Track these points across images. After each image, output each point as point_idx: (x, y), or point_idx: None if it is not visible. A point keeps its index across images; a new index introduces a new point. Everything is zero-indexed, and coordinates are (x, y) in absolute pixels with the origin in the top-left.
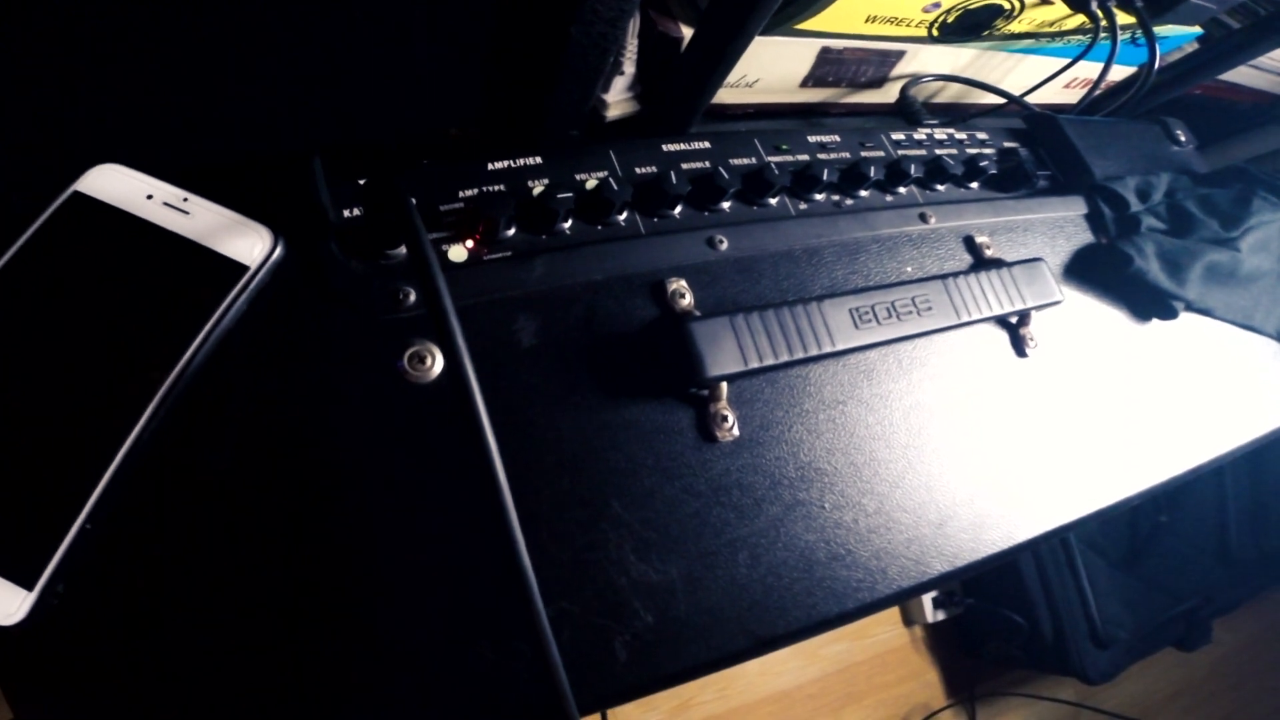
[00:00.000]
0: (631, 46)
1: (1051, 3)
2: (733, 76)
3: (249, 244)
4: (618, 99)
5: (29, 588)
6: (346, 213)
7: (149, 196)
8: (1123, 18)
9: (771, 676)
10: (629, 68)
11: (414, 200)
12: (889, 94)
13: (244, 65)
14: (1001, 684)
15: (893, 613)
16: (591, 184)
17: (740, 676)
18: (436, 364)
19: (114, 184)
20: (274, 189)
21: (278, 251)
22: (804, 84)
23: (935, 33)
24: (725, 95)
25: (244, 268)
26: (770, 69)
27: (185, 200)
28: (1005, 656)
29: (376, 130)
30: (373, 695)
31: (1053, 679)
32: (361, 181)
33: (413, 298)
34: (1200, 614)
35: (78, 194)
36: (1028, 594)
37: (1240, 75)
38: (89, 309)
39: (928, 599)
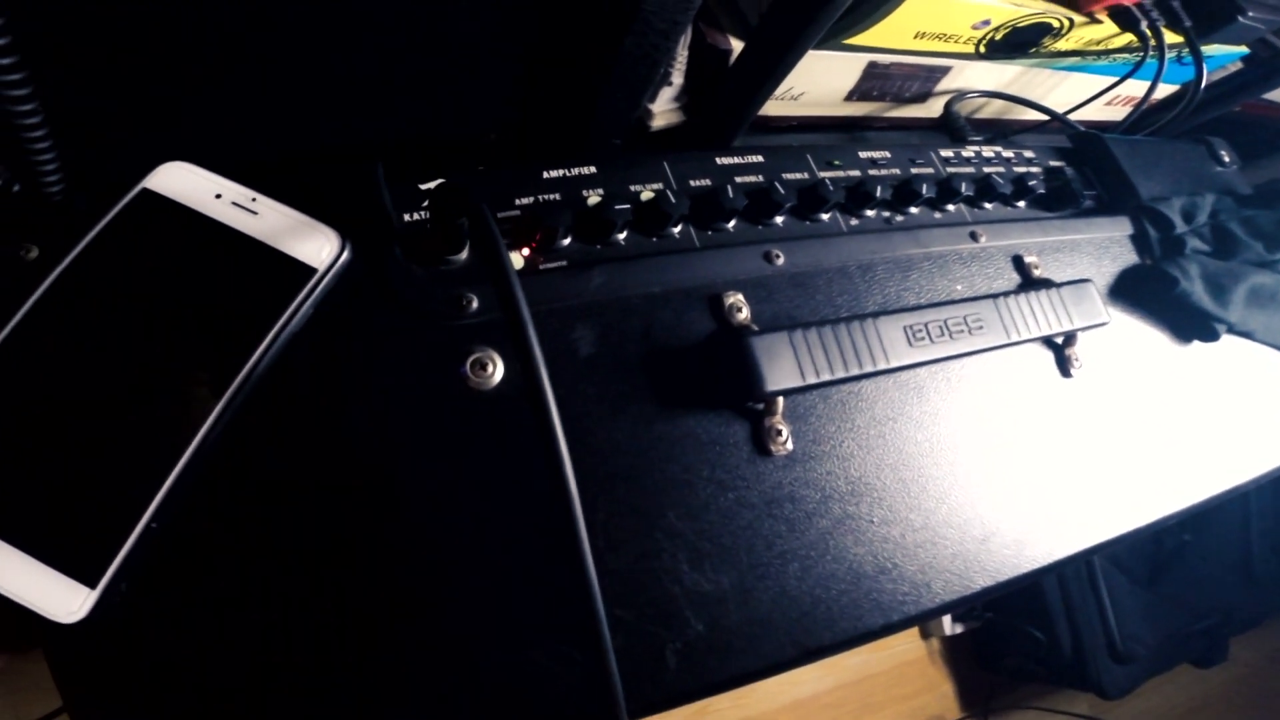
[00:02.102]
0: (681, 58)
1: (1100, 22)
2: (778, 89)
3: (317, 246)
4: (664, 109)
5: (92, 586)
6: (407, 216)
7: (218, 196)
8: (1170, 37)
9: (790, 685)
10: (677, 79)
11: None
12: (933, 109)
13: (291, 68)
14: (1017, 697)
15: None
16: (647, 195)
17: (759, 685)
18: (498, 371)
19: (183, 182)
20: (336, 191)
21: (345, 255)
22: (849, 98)
23: (982, 49)
24: (770, 107)
25: (312, 270)
26: (816, 82)
27: (254, 200)
28: (1022, 670)
29: (421, 133)
30: (427, 697)
31: (1068, 693)
32: (423, 186)
33: (475, 304)
34: (1219, 632)
35: (146, 191)
36: (1047, 608)
37: None
38: (157, 307)
39: None
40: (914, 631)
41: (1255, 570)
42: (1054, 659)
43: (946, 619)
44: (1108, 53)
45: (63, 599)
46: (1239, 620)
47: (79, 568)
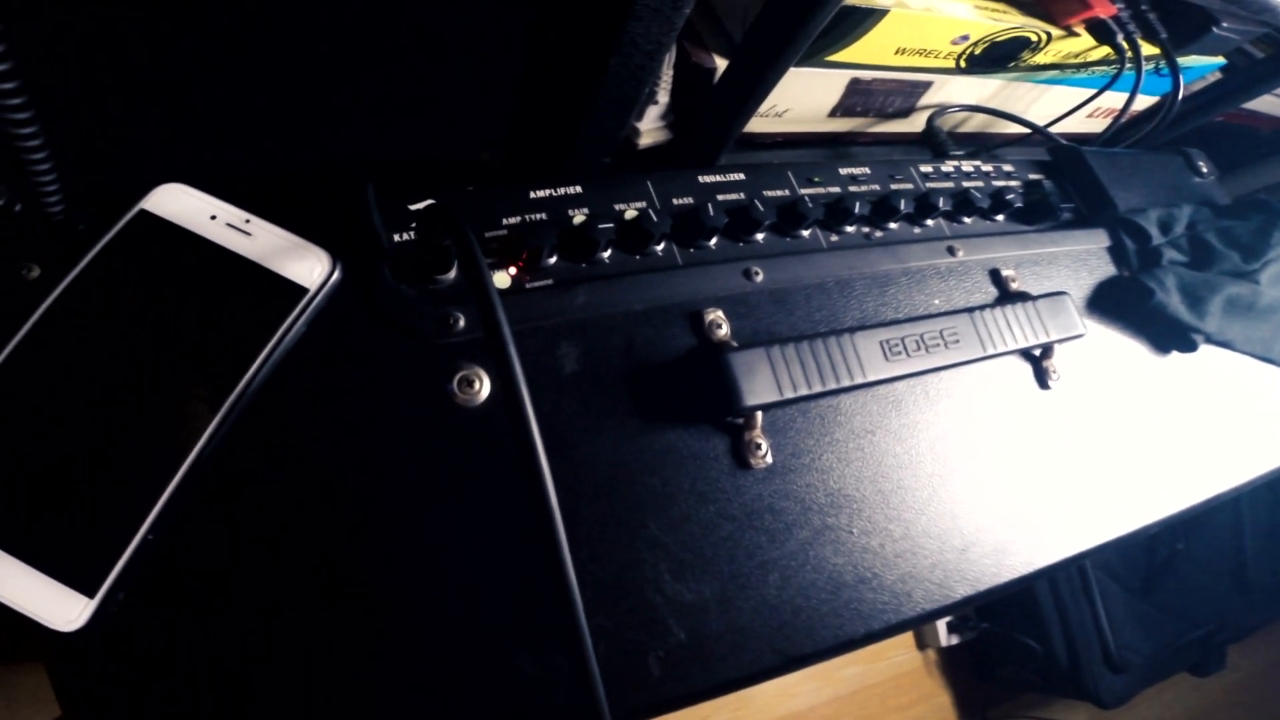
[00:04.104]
0: (666, 77)
1: (1077, 35)
2: (763, 106)
3: (308, 266)
4: (650, 127)
5: (90, 595)
6: (397, 236)
7: (213, 217)
8: (1147, 49)
9: (787, 698)
10: (663, 97)
11: None
12: (916, 124)
13: (289, 90)
14: (1014, 707)
15: (907, 636)
16: (631, 214)
17: (756, 697)
18: (484, 388)
19: (179, 204)
20: (327, 211)
21: (335, 275)
22: (832, 114)
23: (963, 64)
24: (755, 124)
25: (304, 290)
26: (800, 99)
27: (247, 222)
28: (1019, 681)
29: (413, 151)
30: (417, 706)
31: (1066, 703)
32: (412, 207)
33: (462, 323)
34: (1215, 640)
35: (144, 212)
36: (1043, 618)
37: (1262, 104)
38: (154, 325)
39: (942, 623)
40: (910, 643)
41: (1249, 577)
42: (1050, 669)
43: (942, 631)
44: (1086, 65)
45: (61, 608)
46: (1235, 628)
47: (78, 577)
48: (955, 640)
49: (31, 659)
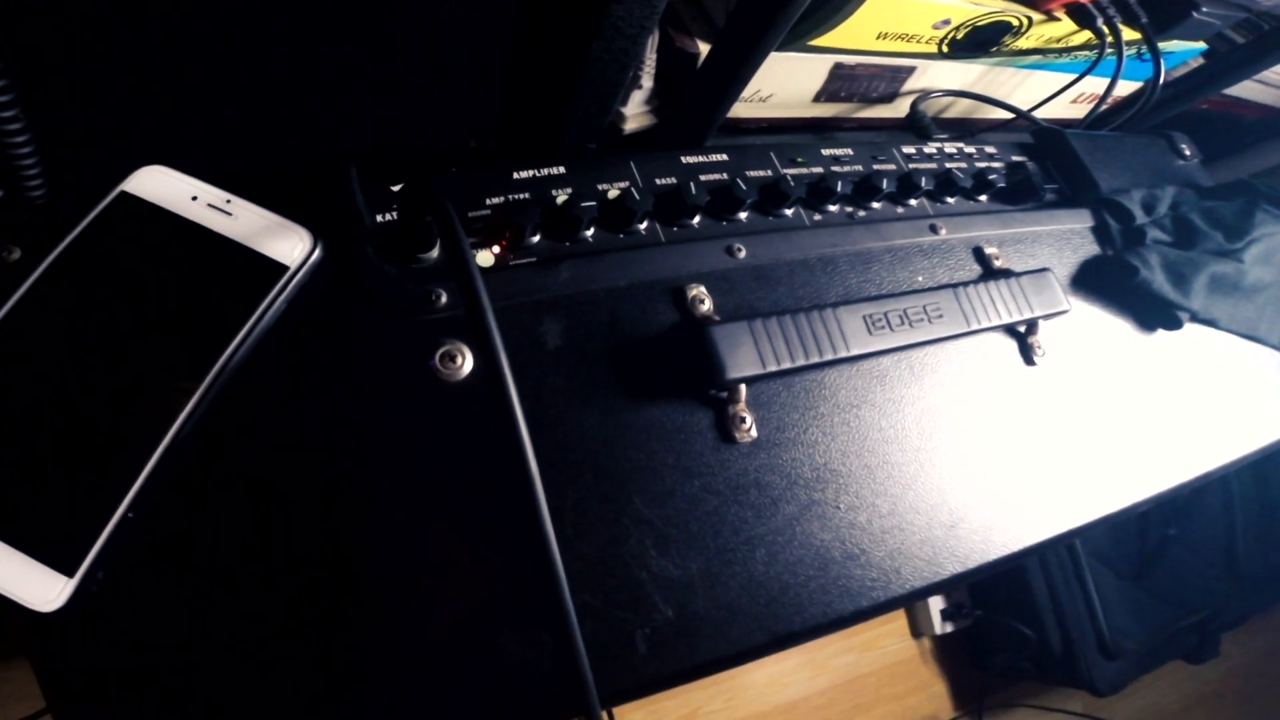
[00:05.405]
0: (650, 61)
1: (1058, 20)
2: (747, 91)
3: (289, 245)
4: (635, 112)
5: (70, 574)
6: (380, 217)
7: (194, 198)
8: (1128, 34)
9: (780, 687)
10: (647, 82)
11: None
12: (900, 109)
13: (279, 76)
14: (1009, 696)
15: (901, 624)
16: (613, 194)
17: (749, 686)
18: (466, 363)
19: (160, 185)
20: (311, 193)
21: (317, 252)
22: (817, 99)
23: (945, 49)
24: (740, 110)
25: (284, 268)
26: (784, 84)
27: (228, 202)
28: (1013, 668)
29: (401, 139)
30: (399, 685)
31: (1061, 691)
32: (394, 188)
33: (444, 299)
34: (1208, 627)
35: (125, 194)
36: (1036, 606)
37: (1246, 90)
38: (134, 305)
39: (936, 611)
40: (904, 631)
41: (1241, 565)
42: (1044, 656)
43: (936, 618)
44: (1068, 50)
45: (40, 587)
46: (1228, 615)
47: (57, 556)
48: (950, 628)
49: (21, 654)
